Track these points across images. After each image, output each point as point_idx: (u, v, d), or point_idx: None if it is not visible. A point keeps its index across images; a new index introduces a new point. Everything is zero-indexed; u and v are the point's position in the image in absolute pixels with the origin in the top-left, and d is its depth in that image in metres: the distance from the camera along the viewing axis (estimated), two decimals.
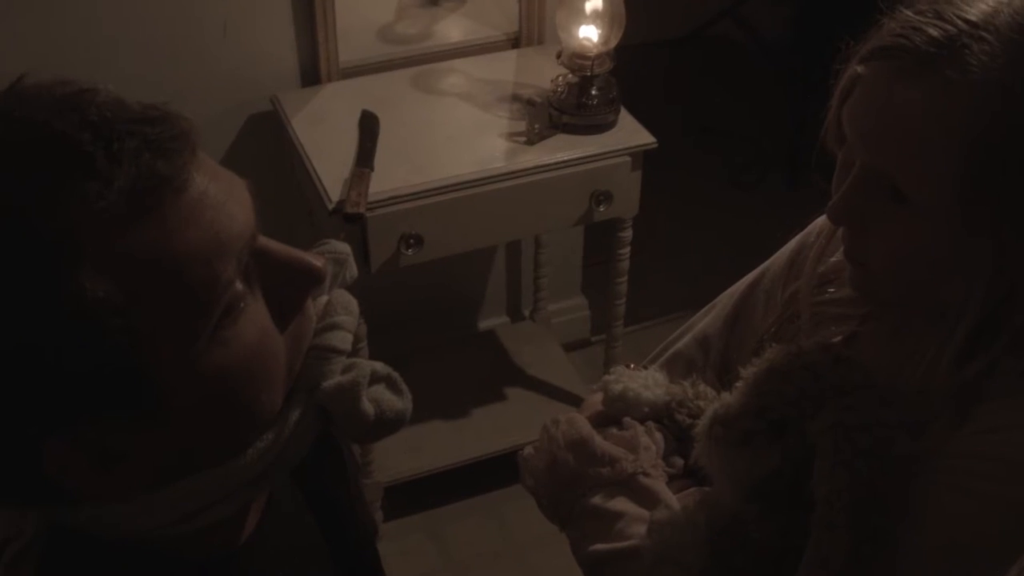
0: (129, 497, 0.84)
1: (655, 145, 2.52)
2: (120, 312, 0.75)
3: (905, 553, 1.14)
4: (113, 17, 2.45)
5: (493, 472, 2.92)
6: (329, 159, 2.42)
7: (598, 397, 1.45)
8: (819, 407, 1.15)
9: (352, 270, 0.99)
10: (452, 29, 2.86)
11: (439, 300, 3.15)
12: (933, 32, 1.09)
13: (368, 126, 2.50)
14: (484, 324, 3.28)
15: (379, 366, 0.94)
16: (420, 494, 2.91)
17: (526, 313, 3.31)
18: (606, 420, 1.42)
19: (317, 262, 0.88)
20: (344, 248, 0.99)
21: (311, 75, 2.69)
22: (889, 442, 1.13)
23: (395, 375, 0.95)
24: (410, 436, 2.77)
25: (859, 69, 1.15)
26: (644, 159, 2.54)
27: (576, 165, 2.47)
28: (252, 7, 2.57)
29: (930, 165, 1.10)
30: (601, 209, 2.52)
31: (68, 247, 0.74)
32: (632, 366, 1.48)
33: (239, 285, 0.82)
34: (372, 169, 2.37)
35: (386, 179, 2.36)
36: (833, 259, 1.37)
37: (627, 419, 1.40)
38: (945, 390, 1.17)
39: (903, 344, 1.26)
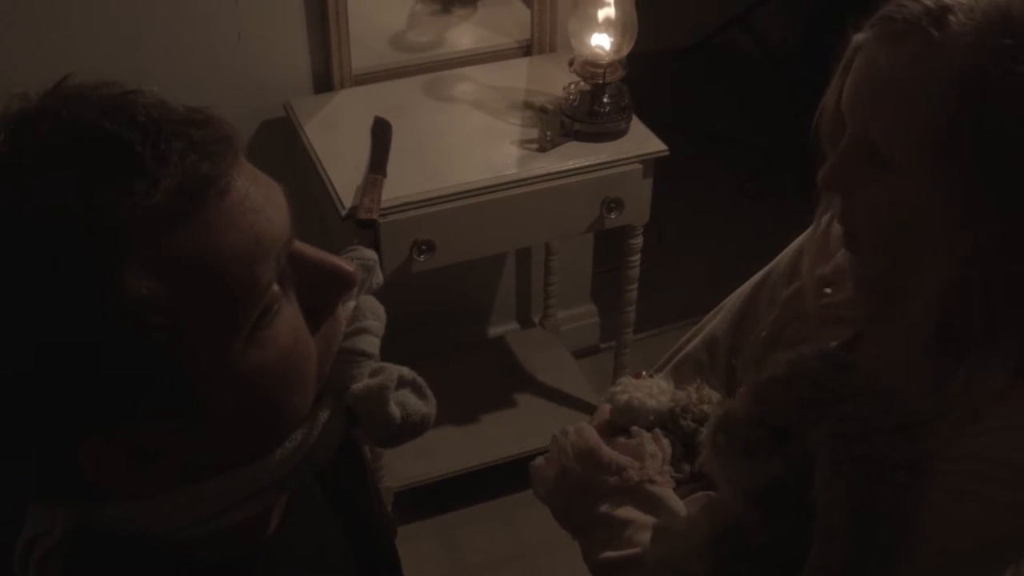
0: (159, 495, 0.85)
1: (666, 153, 2.53)
2: (163, 311, 0.76)
3: (906, 557, 1.15)
4: (128, 23, 2.47)
5: (503, 477, 2.93)
6: (342, 165, 2.43)
7: (607, 408, 1.48)
8: (820, 415, 1.16)
9: (378, 276, 1.00)
10: (464, 37, 2.88)
11: (449, 306, 3.16)
12: (927, 1, 1.14)
13: (381, 133, 2.51)
14: (494, 330, 3.29)
15: (405, 371, 0.95)
16: (430, 499, 2.92)
17: (536, 320, 3.32)
18: (614, 430, 1.44)
19: (349, 267, 0.90)
20: (372, 255, 1.00)
21: (324, 82, 2.71)
22: (888, 449, 1.14)
23: (420, 380, 0.96)
24: (420, 441, 2.75)
25: (856, 38, 1.19)
26: (654, 168, 2.56)
27: (587, 172, 2.48)
28: (266, 14, 2.58)
29: (910, 123, 1.14)
30: (612, 216, 2.53)
31: (114, 245, 0.75)
32: (644, 374, 1.50)
33: (276, 287, 0.83)
34: (385, 175, 2.38)
35: (399, 185, 2.38)
36: (832, 262, 1.39)
37: (634, 428, 1.42)
38: (954, 390, 1.17)
39: (908, 345, 1.27)
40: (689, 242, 3.81)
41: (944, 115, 1.11)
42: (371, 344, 0.92)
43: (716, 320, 1.56)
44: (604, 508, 1.35)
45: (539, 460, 1.45)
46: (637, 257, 2.72)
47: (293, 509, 1.03)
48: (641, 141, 2.55)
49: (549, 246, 3.11)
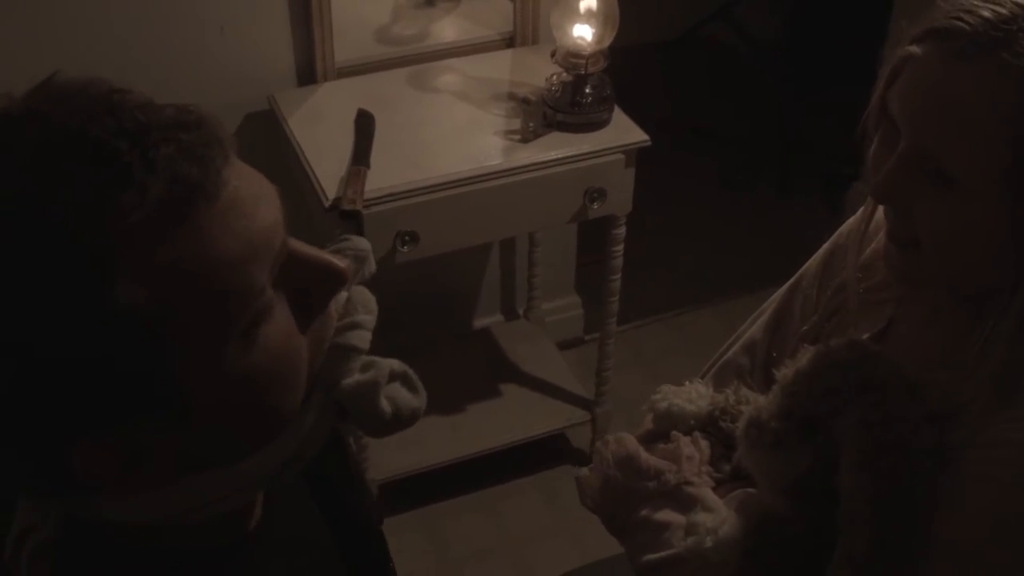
0: (147, 490, 0.85)
1: (648, 143, 2.54)
2: (154, 320, 0.75)
3: (935, 544, 1.16)
4: (111, 18, 2.47)
5: (488, 469, 2.95)
6: (326, 157, 2.44)
7: (649, 416, 1.50)
8: (846, 404, 1.18)
9: (371, 266, 0.99)
10: (447, 29, 2.88)
11: (434, 298, 3.16)
12: (987, 14, 1.12)
13: (364, 124, 2.51)
14: (479, 322, 3.30)
15: (395, 364, 0.94)
16: (415, 491, 2.92)
17: (520, 311, 3.33)
18: (656, 436, 1.47)
19: (341, 264, 0.89)
20: (365, 245, 1.00)
21: (307, 75, 2.71)
22: (914, 436, 1.15)
23: (411, 372, 0.96)
24: (405, 433, 2.77)
25: (911, 50, 1.16)
26: (636, 158, 2.56)
27: (570, 163, 2.49)
28: (249, 7, 2.59)
29: (978, 147, 1.12)
30: (595, 206, 2.54)
31: (104, 258, 0.74)
32: (688, 381, 1.52)
33: (269, 291, 0.82)
34: (368, 167, 2.39)
35: (382, 177, 2.38)
36: (868, 250, 1.39)
37: (673, 432, 1.44)
38: (992, 372, 1.18)
39: (941, 326, 1.28)
40: (672, 234, 3.83)
41: (1021, 145, 1.10)
42: (362, 339, 0.92)
43: (755, 326, 1.58)
44: (645, 512, 1.38)
45: (584, 471, 1.48)
46: (620, 247, 2.72)
47: (277, 498, 1.03)
48: (623, 131, 2.56)
49: (533, 237, 3.12)
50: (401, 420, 0.94)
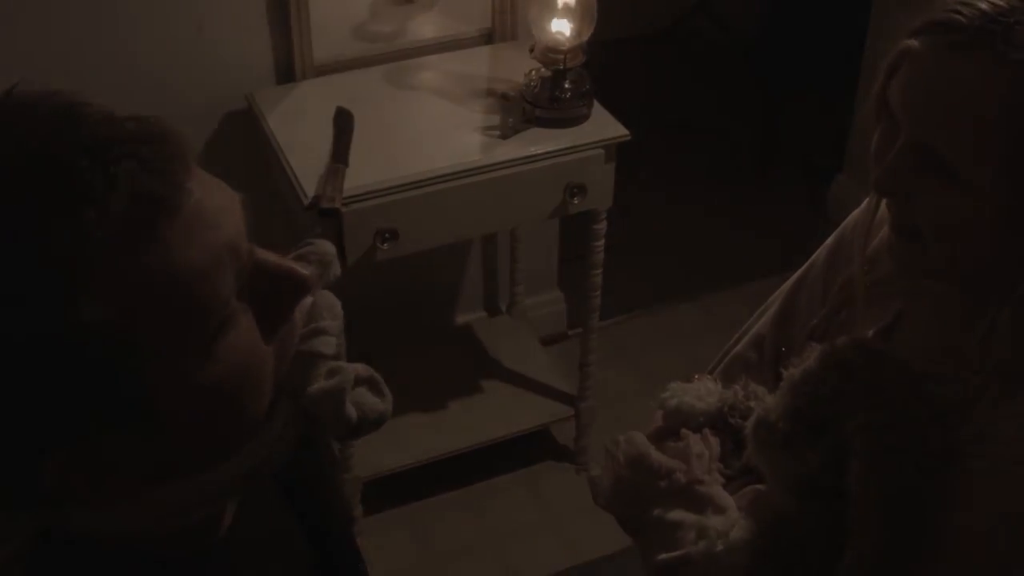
0: (118, 501, 0.85)
1: (628, 137, 2.54)
2: (118, 335, 0.75)
3: (946, 543, 1.16)
4: (86, 16, 2.46)
5: (471, 465, 2.95)
6: (304, 156, 2.43)
7: (659, 414, 1.50)
8: (853, 405, 1.18)
9: (336, 270, 0.99)
10: (426, 26, 2.88)
11: (416, 295, 3.16)
12: (984, 7, 1.12)
13: (343, 122, 2.51)
14: (461, 318, 3.30)
15: (361, 368, 0.95)
16: (399, 488, 2.92)
17: (503, 307, 3.34)
18: (666, 434, 1.47)
19: (305, 272, 0.89)
20: (329, 249, 1.00)
21: (286, 73, 2.71)
22: (921, 436, 1.15)
23: (376, 377, 0.96)
24: (389, 430, 2.75)
25: (910, 43, 1.17)
26: (619, 153, 2.56)
27: (550, 158, 2.49)
28: (227, 6, 2.58)
29: (977, 139, 1.12)
30: (575, 201, 2.54)
31: (66, 276, 0.74)
32: (697, 377, 1.52)
33: (234, 300, 0.82)
34: (347, 165, 2.38)
35: (361, 174, 2.38)
36: (875, 241, 1.40)
37: (683, 430, 1.44)
38: (998, 367, 1.18)
39: (947, 319, 1.29)
40: (654, 228, 3.83)
41: (1017, 138, 1.11)
42: (328, 345, 0.92)
43: (762, 320, 1.58)
44: (656, 512, 1.38)
45: (595, 471, 1.49)
46: (601, 242, 2.72)
47: (248, 502, 1.03)
48: (603, 126, 2.56)
49: (515, 233, 3.12)
50: (367, 424, 0.94)
